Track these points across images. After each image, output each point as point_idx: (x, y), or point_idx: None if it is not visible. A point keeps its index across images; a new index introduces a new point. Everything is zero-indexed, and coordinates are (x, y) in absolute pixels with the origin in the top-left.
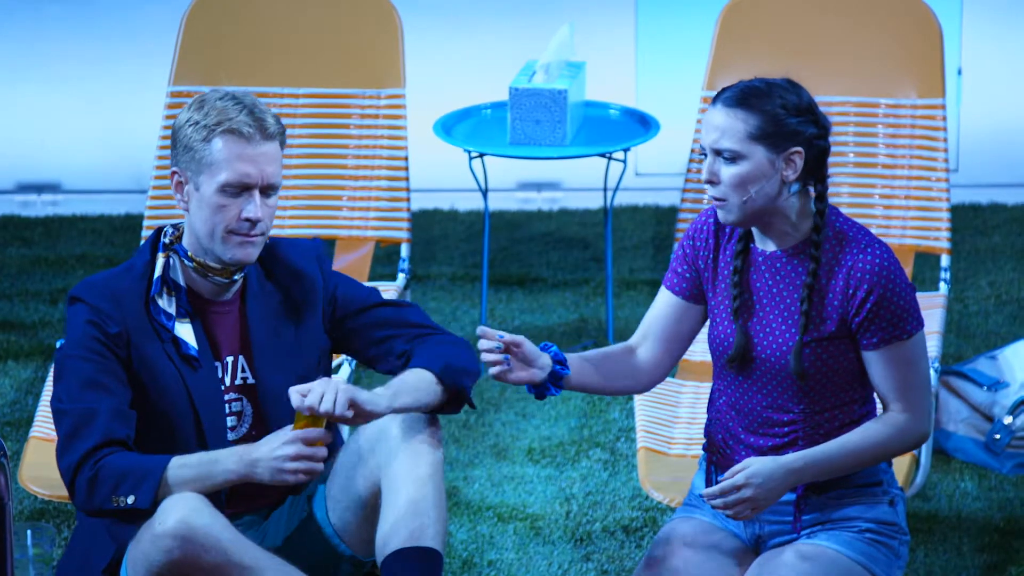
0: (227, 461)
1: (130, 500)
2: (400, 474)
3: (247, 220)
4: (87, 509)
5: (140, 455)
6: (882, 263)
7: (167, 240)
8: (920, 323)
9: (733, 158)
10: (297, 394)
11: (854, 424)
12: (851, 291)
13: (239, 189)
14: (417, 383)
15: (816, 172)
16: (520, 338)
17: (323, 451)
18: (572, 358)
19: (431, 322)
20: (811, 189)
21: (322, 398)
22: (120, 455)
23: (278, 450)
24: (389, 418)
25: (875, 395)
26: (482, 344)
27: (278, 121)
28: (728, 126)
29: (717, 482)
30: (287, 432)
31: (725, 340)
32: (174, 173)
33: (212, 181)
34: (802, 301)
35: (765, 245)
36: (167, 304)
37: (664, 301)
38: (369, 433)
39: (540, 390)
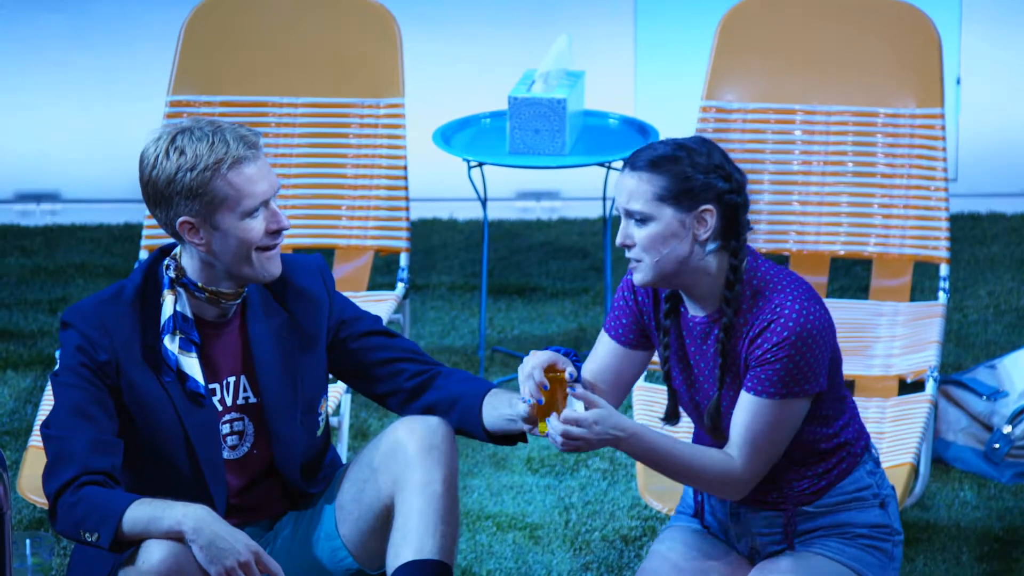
0: (174, 510)
1: (94, 538)
2: (414, 488)
3: (277, 230)
4: (63, 535)
5: (111, 491)
6: (795, 327)
7: (172, 275)
8: (810, 389)
9: (643, 220)
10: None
11: (839, 459)
12: (759, 341)
13: (258, 208)
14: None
15: (732, 228)
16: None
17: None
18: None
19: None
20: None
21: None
22: (93, 489)
23: (238, 540)
24: (404, 431)
25: (857, 426)
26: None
27: (252, 130)
28: (635, 188)
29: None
30: (244, 540)
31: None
32: (183, 223)
33: (234, 214)
34: (718, 355)
35: (694, 311)
36: (170, 341)
37: (606, 350)
38: (383, 446)
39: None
